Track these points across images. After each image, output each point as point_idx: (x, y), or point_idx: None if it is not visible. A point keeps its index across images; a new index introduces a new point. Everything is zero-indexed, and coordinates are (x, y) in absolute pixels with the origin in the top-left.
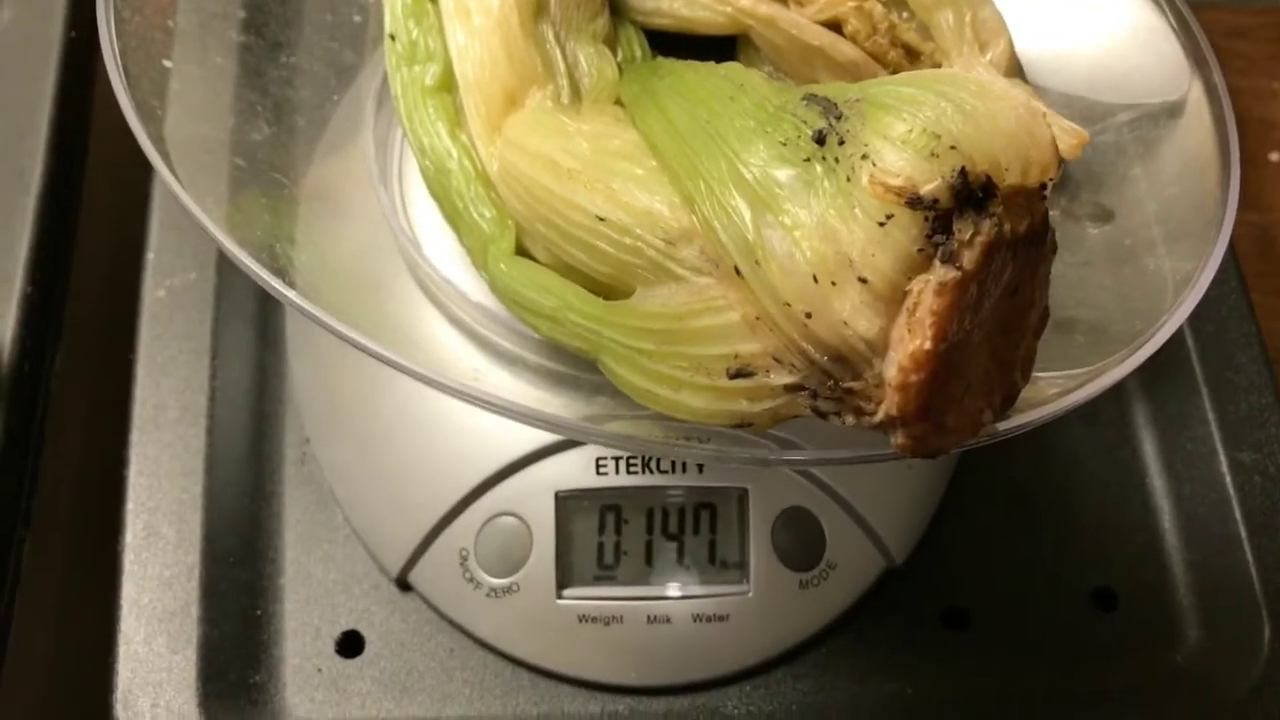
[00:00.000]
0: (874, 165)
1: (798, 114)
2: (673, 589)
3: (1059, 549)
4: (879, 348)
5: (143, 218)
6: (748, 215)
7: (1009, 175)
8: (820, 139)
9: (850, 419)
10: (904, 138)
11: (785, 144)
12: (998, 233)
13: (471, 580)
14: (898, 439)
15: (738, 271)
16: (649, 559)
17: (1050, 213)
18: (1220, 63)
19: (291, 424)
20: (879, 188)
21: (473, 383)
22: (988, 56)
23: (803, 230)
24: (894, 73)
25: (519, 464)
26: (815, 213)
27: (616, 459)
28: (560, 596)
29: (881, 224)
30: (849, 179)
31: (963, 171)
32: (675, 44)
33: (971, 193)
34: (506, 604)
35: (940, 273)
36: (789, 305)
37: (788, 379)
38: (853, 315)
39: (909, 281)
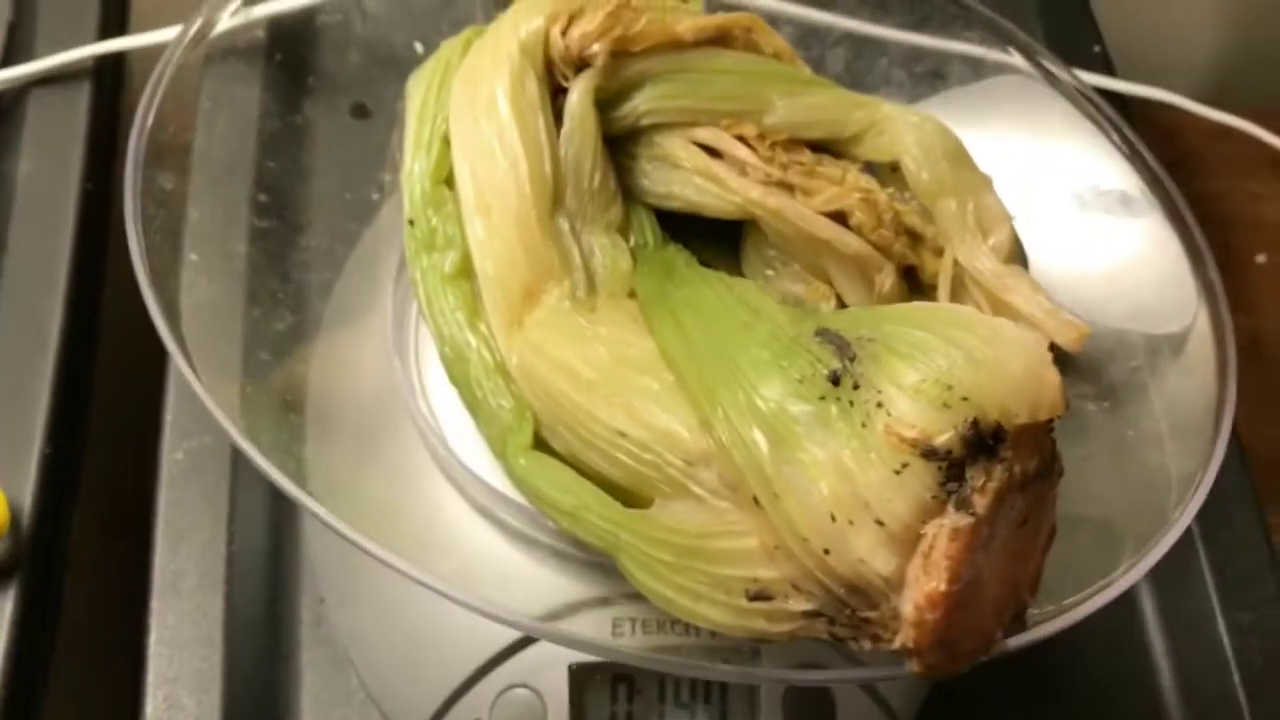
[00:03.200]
0: (889, 414)
1: (812, 350)
2: None
3: (1060, 708)
4: (895, 584)
5: (160, 379)
6: (765, 449)
7: (1018, 418)
8: (835, 379)
9: (867, 644)
10: (917, 387)
11: (801, 381)
12: (1009, 477)
13: None
14: (913, 666)
15: (756, 501)
16: None
17: None
18: (1203, 167)
19: (307, 585)
20: (894, 438)
21: (499, 591)
22: (990, 242)
23: (819, 469)
24: (899, 264)
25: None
26: (831, 452)
27: (632, 626)
28: None
29: (897, 471)
30: (864, 424)
31: (974, 422)
32: (684, 222)
33: (983, 440)
34: None
35: (954, 518)
36: (807, 540)
37: (806, 606)
38: (870, 554)
39: (924, 525)
